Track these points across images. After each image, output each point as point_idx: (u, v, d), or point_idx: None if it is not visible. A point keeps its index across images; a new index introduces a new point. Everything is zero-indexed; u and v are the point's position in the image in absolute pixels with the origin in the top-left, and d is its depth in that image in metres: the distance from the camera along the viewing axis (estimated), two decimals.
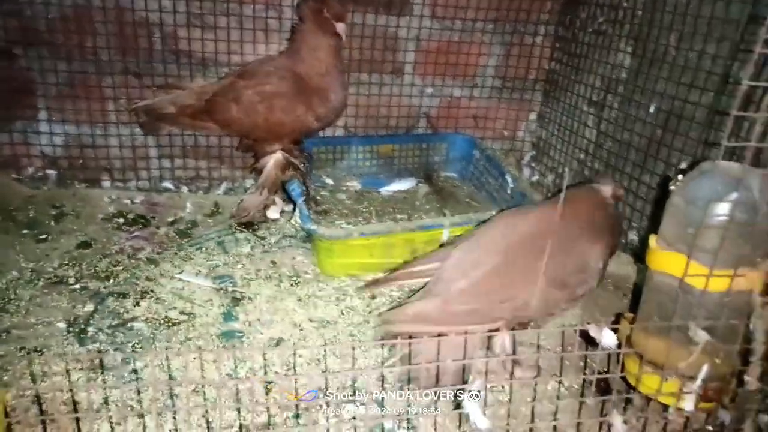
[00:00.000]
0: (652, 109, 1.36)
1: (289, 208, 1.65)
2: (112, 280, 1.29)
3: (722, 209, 0.72)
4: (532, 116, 1.92)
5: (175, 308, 1.22)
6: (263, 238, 1.53)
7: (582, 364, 1.01)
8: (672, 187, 0.81)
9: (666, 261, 0.80)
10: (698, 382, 0.76)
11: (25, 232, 1.45)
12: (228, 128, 1.50)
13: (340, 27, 1.40)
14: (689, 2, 1.24)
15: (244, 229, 1.56)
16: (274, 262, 1.42)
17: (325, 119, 1.49)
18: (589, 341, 0.78)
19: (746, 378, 0.75)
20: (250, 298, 1.27)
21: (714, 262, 0.72)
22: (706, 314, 0.76)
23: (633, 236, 1.44)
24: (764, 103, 0.77)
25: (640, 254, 1.40)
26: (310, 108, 1.43)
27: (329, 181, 1.81)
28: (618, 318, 1.00)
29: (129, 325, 1.15)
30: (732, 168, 0.74)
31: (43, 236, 1.44)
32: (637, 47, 1.42)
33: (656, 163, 1.36)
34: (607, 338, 0.74)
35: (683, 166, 1.26)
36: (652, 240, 0.85)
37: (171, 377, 1.01)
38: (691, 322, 0.74)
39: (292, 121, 1.44)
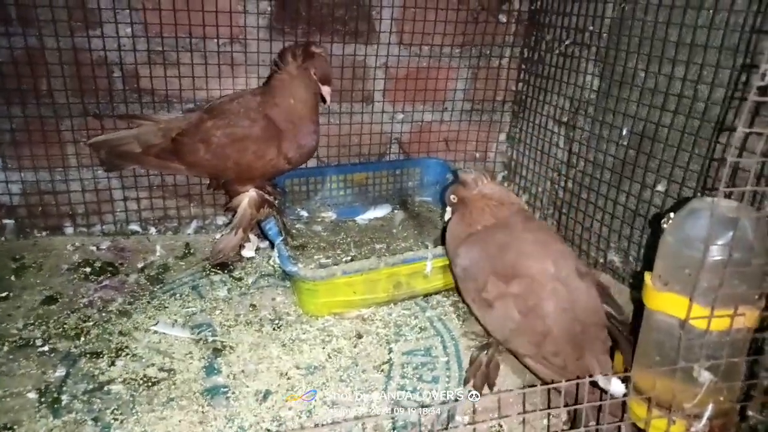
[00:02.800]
0: (624, 131, 1.38)
1: (264, 245, 1.61)
2: (83, 338, 1.23)
3: (719, 250, 0.72)
4: (502, 137, 1.92)
5: (153, 365, 1.16)
6: (240, 279, 1.48)
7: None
8: (664, 225, 0.81)
9: (664, 302, 0.80)
10: (704, 420, 0.76)
11: None
12: (196, 170, 1.45)
13: (326, 90, 1.37)
14: (656, 26, 1.26)
15: (219, 271, 1.50)
16: (253, 305, 1.37)
17: (296, 162, 1.46)
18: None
19: (749, 413, 0.75)
20: (231, 348, 1.23)
21: (715, 303, 0.72)
22: (708, 353, 0.76)
23: (612, 256, 1.45)
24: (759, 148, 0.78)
25: (623, 276, 1.42)
26: (281, 152, 1.40)
27: (304, 213, 1.77)
28: (612, 352, 1.00)
29: (106, 388, 1.09)
30: (723, 206, 0.75)
31: (4, 294, 1.35)
32: (605, 69, 1.43)
33: (631, 184, 1.37)
34: (615, 387, 0.73)
35: (660, 188, 1.28)
36: (648, 278, 0.85)
37: None
38: (696, 364, 0.74)
39: (263, 165, 1.40)
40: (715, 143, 1.13)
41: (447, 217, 1.29)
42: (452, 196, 1.24)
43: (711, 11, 1.14)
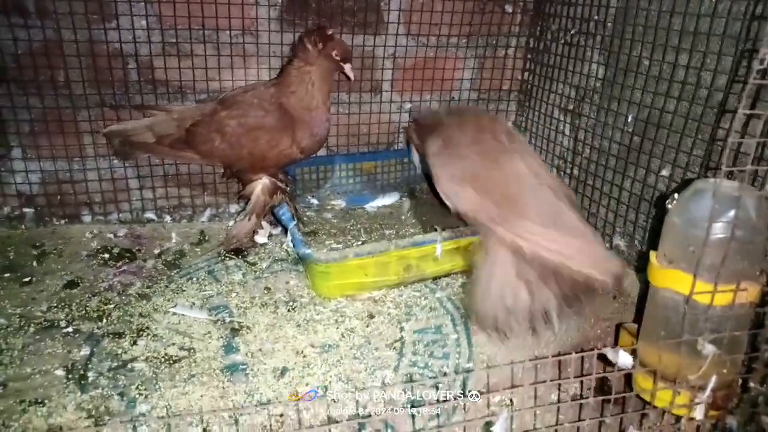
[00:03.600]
0: (630, 119, 1.41)
1: (276, 231, 1.65)
2: (105, 320, 1.27)
3: (722, 228, 0.75)
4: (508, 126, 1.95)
5: (173, 344, 1.20)
6: (254, 264, 1.52)
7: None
8: (669, 206, 0.85)
9: (669, 278, 0.84)
10: (707, 392, 0.79)
11: (7, 275, 1.40)
12: (210, 159, 1.49)
13: (348, 68, 1.45)
14: (659, 15, 1.29)
15: (234, 256, 1.54)
16: (268, 288, 1.41)
17: (309, 151, 1.50)
18: (607, 362, 0.81)
19: (751, 384, 0.79)
20: (248, 328, 1.27)
21: (718, 279, 0.76)
22: (711, 327, 0.80)
23: (618, 241, 1.48)
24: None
25: (628, 260, 1.46)
26: (295, 141, 1.43)
27: (314, 202, 1.81)
28: (618, 329, 1.04)
29: (129, 366, 1.13)
30: (726, 186, 0.78)
31: (27, 279, 1.39)
32: (610, 58, 1.46)
33: (636, 170, 1.41)
34: (623, 359, 0.77)
35: (664, 173, 1.31)
36: (653, 257, 0.88)
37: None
38: (700, 338, 0.78)
39: (276, 154, 1.44)
40: (717, 127, 1.17)
41: (416, 160, 1.48)
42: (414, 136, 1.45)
43: (714, 0, 1.17)
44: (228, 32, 1.58)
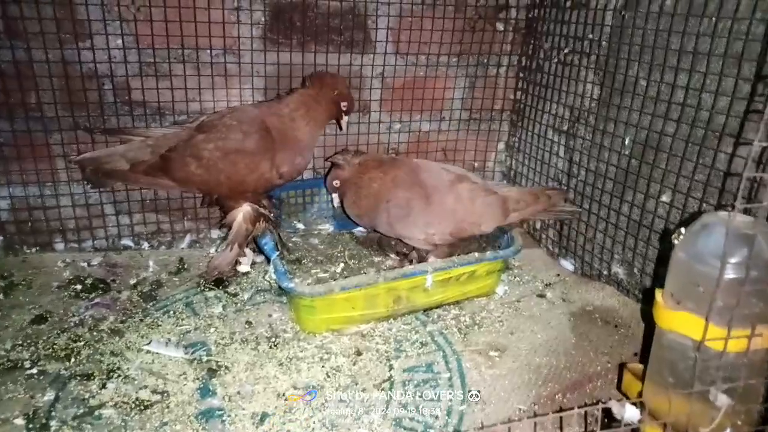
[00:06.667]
0: (627, 141, 1.35)
1: (260, 259, 1.58)
2: (73, 360, 1.18)
3: (734, 267, 0.69)
4: (501, 146, 1.90)
5: (146, 387, 1.12)
6: (235, 295, 1.44)
7: None
8: (675, 241, 0.78)
9: (677, 321, 0.77)
10: None
11: None
12: (187, 185, 1.41)
13: (345, 121, 1.52)
14: (657, 35, 1.24)
15: (214, 287, 1.47)
16: (249, 323, 1.34)
17: (288, 176, 1.44)
18: (611, 417, 0.74)
19: None
20: (227, 368, 1.18)
21: (731, 323, 0.69)
22: (724, 375, 0.73)
23: (616, 268, 1.42)
24: None
25: (628, 289, 1.39)
26: (275, 165, 1.37)
27: (300, 226, 1.74)
28: (621, 369, 0.97)
29: (96, 413, 1.05)
30: (737, 222, 0.72)
31: None
32: (606, 78, 1.41)
33: (635, 194, 1.35)
34: (630, 413, 0.70)
35: (664, 199, 1.25)
36: (659, 295, 0.82)
37: None
38: (712, 387, 0.71)
39: (255, 179, 1.38)
40: (732, 156, 1.11)
41: (336, 203, 1.53)
42: (335, 182, 1.48)
43: (713, 19, 1.12)
44: (209, 51, 1.52)
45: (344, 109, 1.47)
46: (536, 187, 1.51)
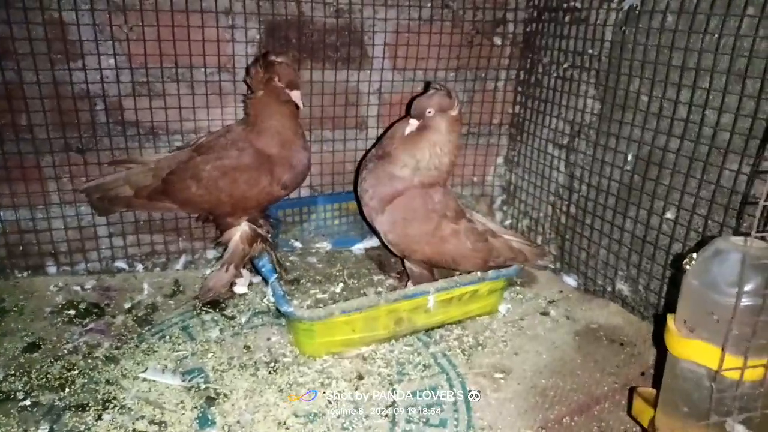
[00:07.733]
0: (630, 157, 1.34)
1: (257, 279, 1.55)
2: (67, 389, 1.15)
3: (751, 296, 0.67)
4: (500, 160, 1.88)
5: (143, 417, 1.09)
6: (232, 318, 1.41)
7: None
8: (687, 267, 0.76)
9: (691, 349, 0.75)
10: None
11: None
12: (190, 207, 1.40)
13: (295, 95, 1.32)
14: (658, 50, 1.23)
15: (210, 309, 1.43)
16: (247, 347, 1.31)
17: (291, 185, 1.41)
18: None
19: None
20: (225, 395, 1.15)
21: (748, 352, 0.67)
22: (741, 405, 0.71)
23: (621, 285, 1.40)
24: None
25: (633, 306, 1.38)
26: (275, 177, 1.34)
27: (297, 245, 1.71)
28: (632, 394, 0.95)
29: None
30: (750, 248, 0.70)
31: None
32: (606, 93, 1.39)
33: (638, 211, 1.33)
34: None
35: (669, 215, 1.23)
36: (671, 321, 0.79)
37: None
38: (729, 418, 0.69)
39: (257, 193, 1.35)
40: (737, 174, 1.09)
41: (407, 131, 1.27)
42: (429, 110, 1.25)
43: (716, 36, 1.11)
44: (203, 69, 1.49)
45: (281, 84, 1.31)
46: (520, 240, 1.42)
